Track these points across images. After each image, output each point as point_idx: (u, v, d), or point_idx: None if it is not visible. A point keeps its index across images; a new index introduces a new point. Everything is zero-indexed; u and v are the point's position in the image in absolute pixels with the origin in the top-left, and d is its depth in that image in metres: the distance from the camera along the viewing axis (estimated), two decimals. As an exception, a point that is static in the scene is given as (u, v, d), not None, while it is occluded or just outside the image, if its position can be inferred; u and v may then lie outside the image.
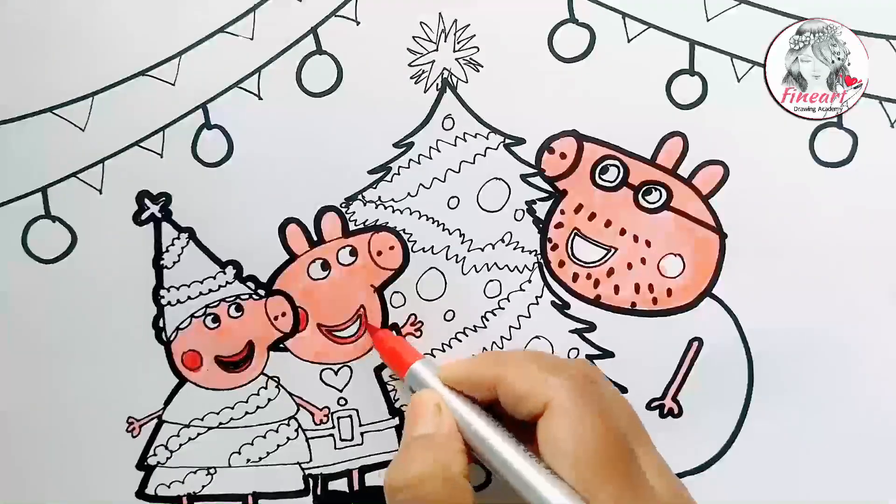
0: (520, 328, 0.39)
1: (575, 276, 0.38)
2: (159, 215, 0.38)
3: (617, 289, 0.38)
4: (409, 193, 0.38)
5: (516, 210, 0.38)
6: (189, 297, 0.38)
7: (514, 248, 0.38)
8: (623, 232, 0.38)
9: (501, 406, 0.33)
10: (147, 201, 0.38)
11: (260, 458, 0.39)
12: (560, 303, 0.38)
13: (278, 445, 0.39)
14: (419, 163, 0.38)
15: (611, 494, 0.28)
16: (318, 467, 0.40)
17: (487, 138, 0.37)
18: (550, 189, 0.38)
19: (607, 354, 0.38)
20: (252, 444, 0.39)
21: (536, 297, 0.38)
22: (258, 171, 0.37)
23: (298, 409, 0.39)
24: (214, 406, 0.39)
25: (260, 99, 0.37)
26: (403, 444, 0.33)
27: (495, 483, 0.40)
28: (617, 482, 0.29)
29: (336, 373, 0.39)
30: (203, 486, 0.40)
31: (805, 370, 0.38)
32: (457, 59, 0.37)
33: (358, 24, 0.36)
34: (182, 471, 0.39)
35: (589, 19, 0.36)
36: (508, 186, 0.38)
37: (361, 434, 0.40)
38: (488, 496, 0.40)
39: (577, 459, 0.29)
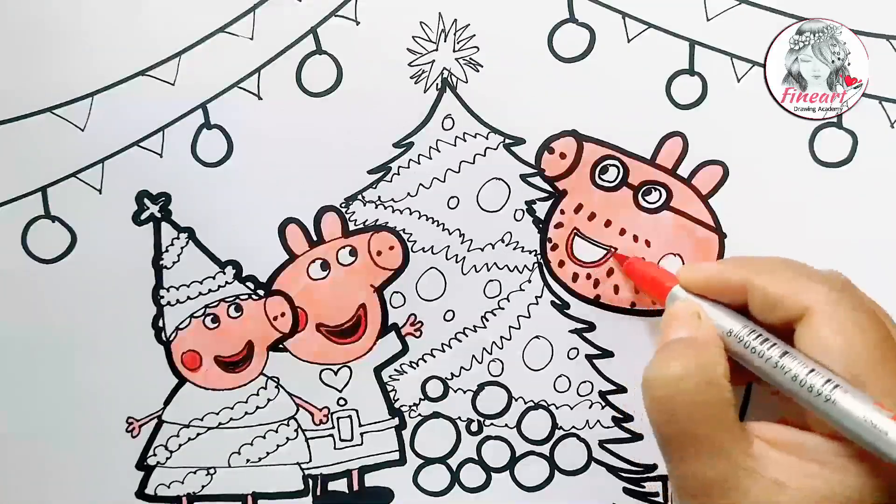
0: (519, 328, 0.39)
1: (575, 276, 0.38)
2: (159, 215, 0.38)
3: (617, 289, 0.38)
4: (408, 193, 0.38)
5: (516, 210, 0.38)
6: (189, 297, 0.38)
7: (514, 248, 0.38)
8: (623, 232, 0.38)
9: (749, 311, 0.32)
10: (147, 201, 0.38)
11: (259, 459, 0.39)
12: (560, 303, 0.38)
13: (278, 446, 0.39)
14: (419, 163, 0.37)
15: (886, 388, 0.28)
16: (317, 467, 0.40)
17: (487, 138, 0.37)
18: (550, 189, 0.38)
19: (607, 354, 0.38)
20: (252, 444, 0.39)
21: (536, 297, 0.38)
22: (258, 171, 0.37)
23: (298, 410, 0.39)
24: (214, 406, 0.39)
25: (260, 99, 0.37)
26: (662, 345, 0.32)
27: (495, 483, 0.40)
28: (892, 377, 0.28)
29: (336, 373, 0.39)
30: (203, 487, 0.40)
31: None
32: (457, 59, 0.37)
33: (358, 24, 0.36)
34: (182, 471, 0.39)
35: (589, 19, 0.36)
36: (508, 186, 0.38)
37: (361, 434, 0.40)
38: (489, 496, 0.40)
39: (848, 358, 0.28)
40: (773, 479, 0.28)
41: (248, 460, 0.39)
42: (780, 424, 0.30)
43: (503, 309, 0.39)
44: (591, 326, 0.38)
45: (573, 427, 0.39)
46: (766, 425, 0.30)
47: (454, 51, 0.37)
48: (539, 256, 0.38)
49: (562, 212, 0.38)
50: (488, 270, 0.38)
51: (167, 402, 0.39)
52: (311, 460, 0.40)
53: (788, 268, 0.31)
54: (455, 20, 0.36)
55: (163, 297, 0.38)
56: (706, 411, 0.29)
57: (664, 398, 0.29)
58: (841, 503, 0.28)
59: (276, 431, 0.39)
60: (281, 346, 0.39)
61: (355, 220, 0.38)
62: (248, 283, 0.38)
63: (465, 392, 0.39)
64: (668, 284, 0.34)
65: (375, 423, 0.39)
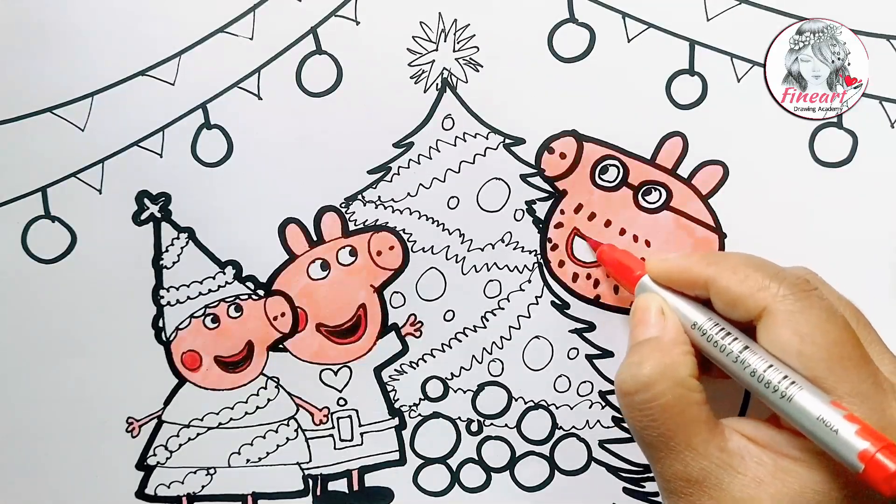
0: (519, 328, 0.39)
1: (575, 276, 0.38)
2: (159, 215, 0.38)
3: (617, 289, 0.38)
4: (408, 193, 0.38)
5: (516, 210, 0.38)
6: (188, 298, 0.38)
7: (514, 248, 0.38)
8: (623, 232, 0.38)
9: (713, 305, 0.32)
10: (147, 201, 0.38)
11: (259, 459, 0.39)
12: (560, 303, 0.38)
13: (278, 446, 0.39)
14: (419, 163, 0.37)
15: (850, 389, 0.28)
16: (317, 467, 0.40)
17: (487, 138, 0.37)
18: (550, 189, 0.38)
19: (607, 354, 0.38)
20: (252, 444, 0.39)
21: (536, 297, 0.38)
22: (258, 171, 0.37)
23: (298, 410, 0.39)
24: (214, 406, 0.39)
25: (260, 99, 0.37)
26: (630, 348, 0.32)
27: (495, 483, 0.40)
28: (853, 376, 0.28)
29: (336, 373, 0.39)
30: (203, 487, 0.40)
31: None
32: (456, 59, 0.37)
33: (358, 24, 0.36)
34: (182, 471, 0.39)
35: (589, 19, 0.36)
36: (508, 186, 0.38)
37: (361, 434, 0.40)
38: (489, 496, 0.40)
39: (805, 358, 0.29)
40: (753, 475, 0.29)
41: (248, 460, 0.39)
42: (756, 420, 0.31)
43: (503, 309, 0.39)
44: (591, 326, 0.38)
45: (573, 427, 0.39)
46: (745, 421, 0.31)
47: (454, 51, 0.37)
48: (539, 256, 0.38)
49: (562, 212, 0.38)
50: (488, 270, 0.38)
51: (167, 402, 0.39)
52: (311, 460, 0.40)
53: (750, 266, 0.31)
54: (455, 20, 0.36)
55: (163, 297, 0.38)
56: (680, 413, 0.29)
57: (638, 403, 0.30)
58: (814, 498, 0.28)
59: (276, 431, 0.39)
60: (281, 346, 0.39)
61: (355, 220, 0.38)
62: (248, 283, 0.38)
63: (465, 392, 0.39)
64: (637, 273, 0.35)
65: (375, 423, 0.39)
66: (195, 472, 0.40)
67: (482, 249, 0.38)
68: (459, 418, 0.40)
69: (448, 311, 0.39)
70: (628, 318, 0.38)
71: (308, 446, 0.40)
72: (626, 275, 0.35)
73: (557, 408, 0.39)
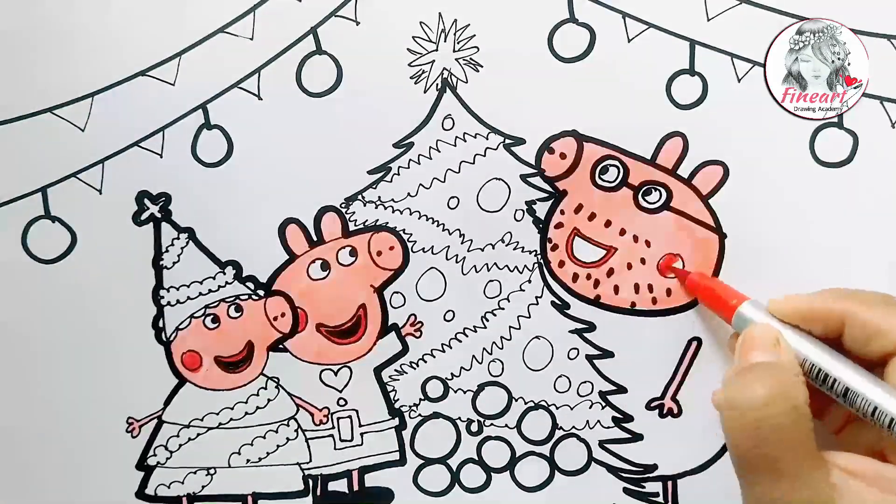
0: (520, 328, 0.39)
1: (575, 276, 0.38)
2: (159, 215, 0.38)
3: (617, 289, 0.38)
4: (408, 193, 0.38)
5: (516, 210, 0.38)
6: (189, 298, 0.38)
7: (514, 248, 0.38)
8: (623, 232, 0.38)
9: (843, 344, 0.32)
10: (147, 201, 0.38)
11: (260, 459, 0.39)
12: (560, 303, 0.38)
13: (278, 446, 0.39)
14: (419, 163, 0.37)
15: None
16: (317, 468, 0.40)
17: (487, 138, 0.37)
18: (550, 189, 0.38)
19: (607, 354, 0.38)
20: (252, 444, 0.39)
21: (536, 297, 0.38)
22: (258, 171, 0.37)
23: (298, 410, 0.39)
24: (214, 406, 0.39)
25: (260, 99, 0.37)
26: (739, 369, 0.31)
27: (495, 483, 0.40)
28: None
29: (336, 373, 0.39)
30: (203, 487, 0.40)
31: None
32: (457, 59, 0.37)
33: (358, 24, 0.36)
34: (182, 471, 0.39)
35: (589, 19, 0.36)
36: (508, 186, 0.38)
37: (361, 434, 0.40)
38: (489, 496, 0.40)
39: None
40: None
41: (248, 460, 0.39)
42: (858, 455, 0.30)
43: (503, 309, 0.39)
44: (591, 326, 0.38)
45: (573, 427, 0.39)
46: (845, 455, 0.30)
47: (454, 51, 0.37)
48: (539, 256, 0.38)
49: (562, 212, 0.38)
50: (488, 270, 0.38)
51: (167, 402, 0.39)
52: (311, 460, 0.40)
53: (889, 300, 0.32)
54: (455, 20, 0.36)
55: (163, 297, 0.38)
56: (791, 437, 0.29)
57: (750, 422, 0.29)
58: None
59: (276, 431, 0.39)
60: (281, 346, 0.39)
61: (355, 220, 0.38)
62: (248, 284, 0.38)
63: (465, 392, 0.39)
64: (732, 303, 0.34)
65: (375, 423, 0.39)
66: (195, 473, 0.40)
67: (482, 249, 0.38)
68: (459, 418, 0.40)
69: (448, 311, 0.39)
70: (630, 318, 0.38)
71: (308, 446, 0.40)
72: (721, 304, 0.35)
73: (557, 408, 0.39)
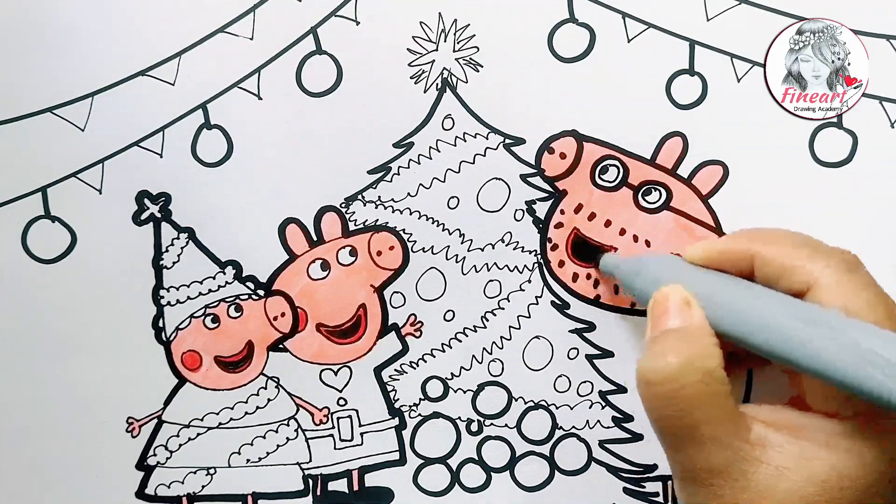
0: (520, 328, 0.39)
1: (575, 276, 0.38)
2: (159, 215, 0.38)
3: (617, 289, 0.38)
4: (408, 193, 0.38)
5: (516, 210, 0.38)
6: (189, 298, 0.38)
7: (514, 248, 0.38)
8: (623, 232, 0.38)
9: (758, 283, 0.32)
10: (147, 201, 0.38)
11: (259, 459, 0.39)
12: (560, 303, 0.38)
13: (278, 446, 0.39)
14: (419, 163, 0.37)
15: None
16: (317, 467, 0.40)
17: (487, 138, 0.37)
18: (550, 189, 0.38)
19: (607, 354, 0.38)
20: (252, 444, 0.39)
21: (536, 297, 0.38)
22: (258, 171, 0.37)
23: (298, 410, 0.39)
24: (214, 406, 0.39)
25: (260, 99, 0.37)
26: (651, 339, 0.31)
27: (495, 483, 0.40)
28: None
29: (336, 373, 0.39)
30: (203, 487, 0.40)
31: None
32: (457, 59, 0.37)
33: (358, 24, 0.36)
34: (182, 471, 0.39)
35: (589, 19, 0.36)
36: (508, 186, 0.38)
37: (361, 434, 0.40)
38: (489, 496, 0.40)
39: None
40: (776, 465, 0.28)
41: (248, 460, 0.39)
42: (780, 406, 0.30)
43: (503, 309, 0.39)
44: (591, 326, 0.38)
45: (573, 427, 0.39)
46: (767, 408, 0.30)
47: (454, 51, 0.37)
48: (539, 256, 0.38)
49: (562, 212, 0.38)
50: (488, 270, 0.38)
51: (167, 402, 0.39)
52: (311, 460, 0.40)
53: (796, 239, 0.31)
54: (455, 20, 0.36)
55: (163, 297, 0.38)
56: (707, 403, 0.29)
57: (664, 393, 0.29)
58: (841, 483, 0.28)
59: (276, 431, 0.39)
60: (281, 346, 0.39)
61: (355, 220, 0.38)
62: (248, 283, 0.38)
63: (465, 392, 0.39)
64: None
65: (375, 423, 0.39)
66: (195, 472, 0.40)
67: (482, 249, 0.38)
68: (459, 418, 0.40)
69: (448, 311, 0.39)
70: (630, 318, 0.38)
71: (308, 446, 0.40)
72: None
73: (557, 408, 0.39)
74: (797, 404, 0.31)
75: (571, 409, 0.39)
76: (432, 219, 0.38)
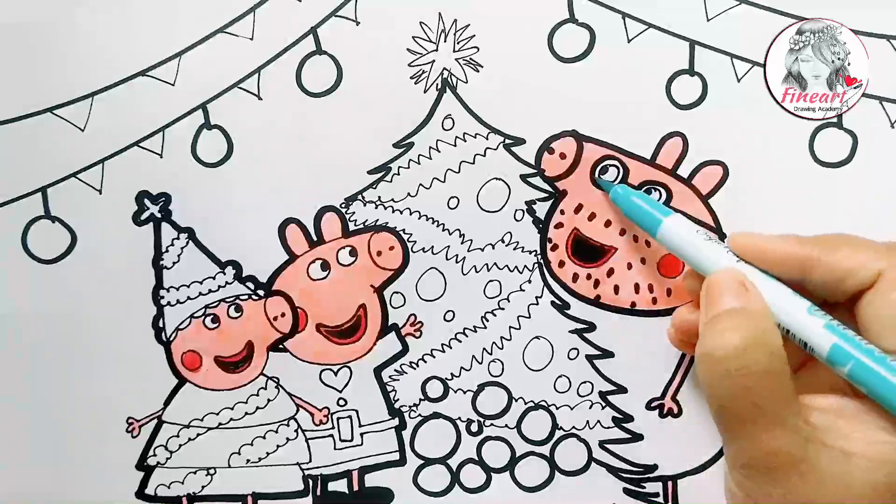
0: (520, 328, 0.39)
1: (575, 276, 0.38)
2: (159, 215, 0.38)
3: (617, 289, 0.38)
4: (408, 193, 0.38)
5: (516, 210, 0.38)
6: (189, 298, 0.38)
7: (514, 249, 0.38)
8: (623, 232, 0.38)
9: (804, 287, 0.31)
10: (147, 201, 0.38)
11: (259, 459, 0.39)
12: (560, 303, 0.38)
13: (278, 446, 0.39)
14: (419, 163, 0.37)
15: None
16: (317, 468, 0.40)
17: (487, 138, 0.37)
18: (550, 189, 0.38)
19: (607, 354, 0.38)
20: (252, 444, 0.39)
21: (536, 298, 0.38)
22: (258, 171, 0.37)
23: (298, 410, 0.39)
24: (214, 406, 0.39)
25: (260, 99, 0.37)
26: (712, 318, 0.30)
27: (495, 483, 0.40)
28: None
29: (336, 373, 0.39)
30: (203, 487, 0.40)
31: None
32: (457, 59, 0.37)
33: (358, 24, 0.36)
34: (182, 471, 0.39)
35: (589, 19, 0.36)
36: (508, 186, 0.38)
37: (361, 435, 0.40)
38: (489, 496, 0.40)
39: None
40: (840, 447, 0.28)
41: (248, 460, 0.39)
42: (835, 395, 0.30)
43: (503, 309, 0.39)
44: (591, 326, 0.38)
45: (573, 427, 0.39)
46: (822, 397, 0.30)
47: (454, 51, 0.37)
48: (539, 256, 0.38)
49: (562, 212, 0.38)
50: (488, 270, 0.38)
51: (167, 402, 0.39)
52: (311, 460, 0.40)
53: (854, 241, 0.31)
54: (455, 20, 0.36)
55: (163, 297, 0.38)
56: (773, 382, 0.28)
57: (730, 370, 0.28)
58: None
59: (276, 432, 0.39)
60: (281, 346, 0.39)
61: (355, 220, 0.38)
62: (248, 284, 0.38)
63: (465, 392, 0.39)
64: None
65: (375, 423, 0.39)
66: (195, 473, 0.40)
67: (482, 249, 0.38)
68: (459, 418, 0.40)
69: (448, 311, 0.39)
70: (630, 318, 0.38)
71: (308, 446, 0.40)
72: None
73: (557, 408, 0.39)
74: (840, 391, 0.31)
75: (571, 409, 0.39)
76: (432, 219, 0.38)
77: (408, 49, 0.37)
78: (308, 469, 0.40)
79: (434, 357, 0.39)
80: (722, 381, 0.29)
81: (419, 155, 0.37)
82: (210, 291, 0.38)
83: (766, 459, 0.28)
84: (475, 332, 0.39)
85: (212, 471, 0.40)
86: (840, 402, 0.30)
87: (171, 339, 0.38)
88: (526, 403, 0.39)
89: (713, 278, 0.32)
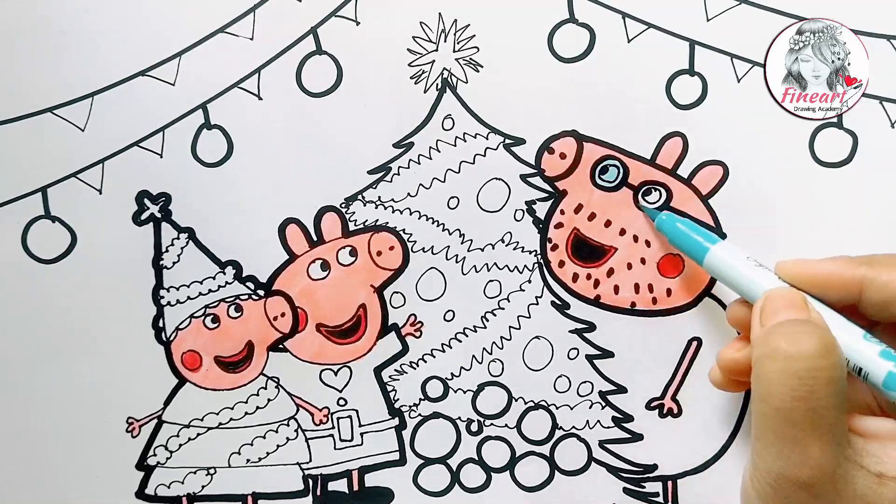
0: (520, 328, 0.39)
1: (575, 276, 0.38)
2: (159, 215, 0.38)
3: (617, 289, 0.38)
4: (408, 193, 0.38)
5: (516, 210, 0.38)
6: (189, 298, 0.38)
7: (514, 248, 0.38)
8: (623, 232, 0.38)
9: (857, 309, 0.31)
10: (147, 201, 0.38)
11: (259, 459, 0.39)
12: (560, 303, 0.38)
13: (278, 446, 0.39)
14: (419, 163, 0.37)
15: None
16: (317, 468, 0.40)
17: (487, 138, 0.37)
18: (550, 189, 0.38)
19: (607, 354, 0.38)
20: (252, 444, 0.39)
21: (536, 297, 0.38)
22: (258, 171, 0.37)
23: (298, 410, 0.39)
24: (214, 406, 0.39)
25: (260, 99, 0.37)
26: (780, 323, 0.30)
27: (495, 483, 0.40)
28: None
29: (336, 373, 0.39)
30: (203, 487, 0.40)
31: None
32: (457, 59, 0.37)
33: (358, 24, 0.36)
34: (182, 471, 0.39)
35: (589, 19, 0.36)
36: (508, 186, 0.38)
37: (361, 434, 0.40)
38: (489, 496, 0.40)
39: None
40: (876, 472, 0.28)
41: (248, 460, 0.39)
42: (873, 417, 0.30)
43: (503, 309, 0.39)
44: (591, 326, 0.38)
45: (573, 427, 0.39)
46: (859, 418, 0.30)
47: (454, 51, 0.37)
48: (539, 256, 0.38)
49: (562, 212, 0.38)
50: (488, 270, 0.38)
51: (167, 402, 0.39)
52: (311, 460, 0.40)
53: None
54: (455, 20, 0.36)
55: (163, 297, 0.38)
56: (834, 393, 0.28)
57: (800, 371, 0.27)
58: None
59: (276, 431, 0.39)
60: (281, 346, 0.39)
61: (355, 220, 0.38)
62: (248, 283, 0.38)
63: (465, 392, 0.39)
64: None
65: (375, 423, 0.39)
66: (195, 472, 0.40)
67: (482, 249, 0.38)
68: (459, 418, 0.40)
69: (448, 311, 0.39)
70: (630, 318, 0.38)
71: (308, 446, 0.40)
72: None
73: (557, 408, 0.39)
74: (871, 413, 0.31)
75: (571, 409, 0.39)
76: (432, 219, 0.38)
77: (408, 49, 0.37)
78: (308, 469, 0.40)
79: (434, 357, 0.39)
80: (788, 381, 0.28)
81: (419, 155, 0.37)
82: (210, 291, 0.38)
83: (810, 472, 0.28)
84: (475, 331, 0.39)
85: (212, 470, 0.40)
86: (883, 424, 0.29)
87: (171, 338, 0.38)
88: (526, 403, 0.39)
89: (774, 293, 0.31)
